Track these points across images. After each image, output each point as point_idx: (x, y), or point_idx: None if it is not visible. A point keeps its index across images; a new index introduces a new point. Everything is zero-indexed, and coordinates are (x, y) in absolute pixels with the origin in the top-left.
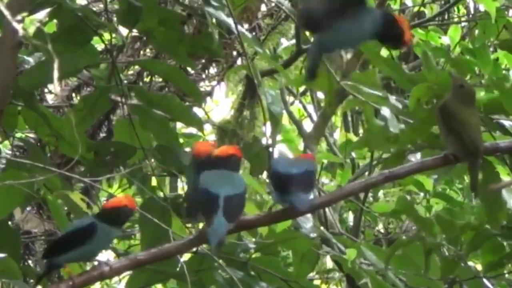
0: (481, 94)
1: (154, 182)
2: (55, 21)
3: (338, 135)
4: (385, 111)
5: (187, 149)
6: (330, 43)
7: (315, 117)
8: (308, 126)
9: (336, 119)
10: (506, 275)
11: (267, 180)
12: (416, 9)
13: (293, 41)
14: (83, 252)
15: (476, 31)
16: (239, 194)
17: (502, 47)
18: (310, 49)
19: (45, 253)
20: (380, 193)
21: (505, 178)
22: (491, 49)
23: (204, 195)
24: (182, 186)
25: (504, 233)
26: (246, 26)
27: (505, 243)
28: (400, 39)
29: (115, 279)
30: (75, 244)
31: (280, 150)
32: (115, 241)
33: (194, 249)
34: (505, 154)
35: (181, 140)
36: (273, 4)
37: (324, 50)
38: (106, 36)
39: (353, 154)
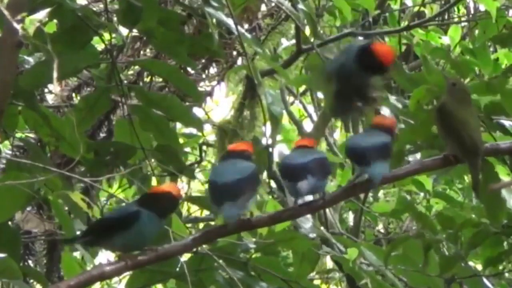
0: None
1: (154, 182)
2: (55, 21)
3: (338, 135)
4: (385, 111)
5: None
6: None
7: (315, 117)
8: (308, 126)
9: (336, 119)
10: (506, 274)
11: (267, 180)
12: (416, 9)
13: (293, 41)
14: (124, 239)
15: (476, 31)
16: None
17: (498, 42)
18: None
19: (87, 232)
20: (380, 193)
21: (504, 178)
22: (491, 49)
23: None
24: (182, 186)
25: (504, 231)
26: (246, 26)
27: (504, 242)
28: (379, 66)
29: (115, 279)
30: (115, 229)
31: (280, 150)
32: None
33: (194, 249)
34: (505, 155)
35: (181, 140)
36: (273, 4)
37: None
38: (106, 36)
39: None
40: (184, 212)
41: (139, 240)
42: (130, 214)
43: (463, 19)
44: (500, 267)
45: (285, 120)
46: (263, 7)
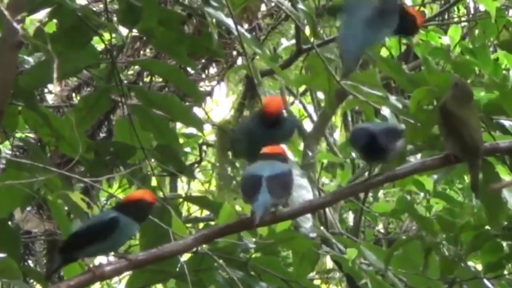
0: (481, 94)
1: (154, 182)
2: (55, 21)
3: (338, 135)
4: (385, 111)
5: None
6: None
7: (315, 117)
8: (308, 126)
9: (336, 119)
10: (506, 276)
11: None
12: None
13: (293, 41)
14: (104, 246)
15: (476, 31)
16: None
17: (502, 47)
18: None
19: (63, 247)
20: (380, 193)
21: (505, 178)
22: (491, 49)
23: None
24: (182, 186)
25: (504, 234)
26: (246, 26)
27: (504, 244)
28: (413, 26)
29: (115, 279)
30: (96, 238)
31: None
32: None
33: (194, 249)
34: (505, 155)
35: (181, 140)
36: (273, 4)
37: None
38: (106, 36)
39: (353, 154)
40: (184, 212)
41: (117, 245)
42: (110, 220)
43: (463, 19)
44: (504, 272)
45: None
46: (263, 7)
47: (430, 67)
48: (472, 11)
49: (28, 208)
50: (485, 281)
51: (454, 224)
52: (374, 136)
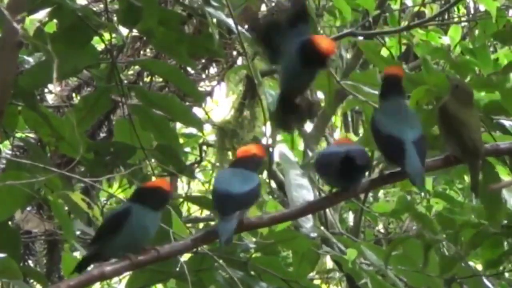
0: (481, 94)
1: None
2: (55, 21)
3: (338, 135)
4: None
5: None
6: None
7: None
8: (308, 126)
9: (336, 119)
10: (506, 274)
11: (267, 180)
12: (416, 9)
13: None
14: (123, 238)
15: (476, 31)
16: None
17: (499, 39)
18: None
19: (93, 240)
20: (380, 193)
21: (505, 178)
22: (491, 49)
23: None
24: (182, 186)
25: (504, 232)
26: (246, 26)
27: (505, 242)
28: (320, 56)
29: (115, 279)
30: (114, 230)
31: (280, 150)
32: None
33: (194, 249)
34: (505, 156)
35: (181, 140)
36: (273, 4)
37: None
38: (106, 36)
39: None
40: (184, 212)
41: (138, 236)
42: (121, 211)
43: (463, 19)
44: (501, 268)
45: None
46: (263, 7)
47: (429, 67)
48: (472, 11)
49: (28, 208)
50: (484, 279)
51: (454, 222)
52: (350, 156)
